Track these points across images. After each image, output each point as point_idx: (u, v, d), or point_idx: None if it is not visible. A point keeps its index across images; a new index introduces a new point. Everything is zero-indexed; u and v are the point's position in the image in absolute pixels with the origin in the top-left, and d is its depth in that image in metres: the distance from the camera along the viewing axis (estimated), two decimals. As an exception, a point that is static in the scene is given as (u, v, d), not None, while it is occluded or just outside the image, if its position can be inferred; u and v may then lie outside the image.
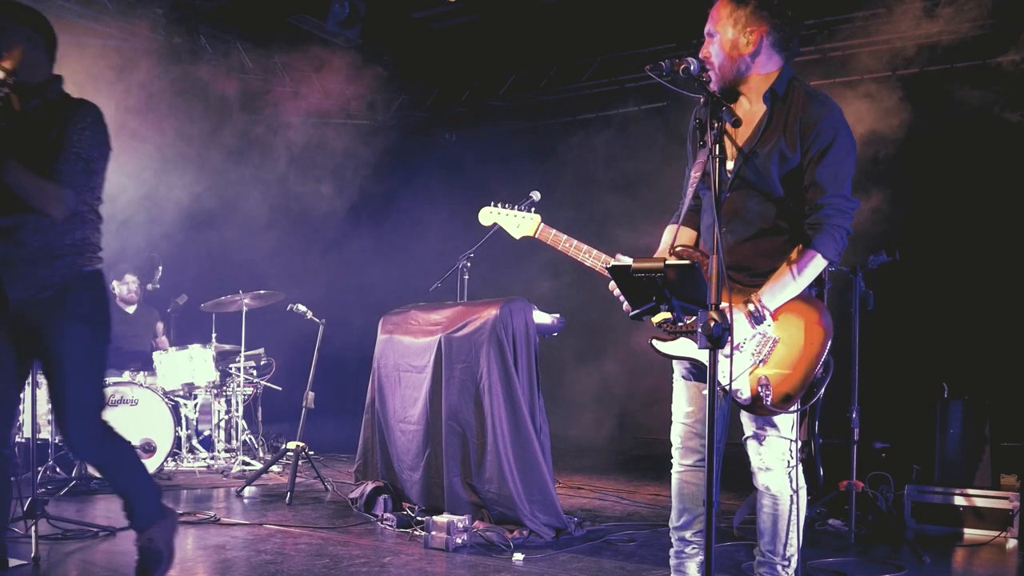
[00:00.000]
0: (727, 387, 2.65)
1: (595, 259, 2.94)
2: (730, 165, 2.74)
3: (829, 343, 2.62)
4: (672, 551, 3.01)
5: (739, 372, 2.64)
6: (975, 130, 6.47)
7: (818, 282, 2.75)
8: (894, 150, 6.17)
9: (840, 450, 4.82)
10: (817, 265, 2.65)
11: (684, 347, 2.78)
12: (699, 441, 2.91)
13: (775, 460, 2.78)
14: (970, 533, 4.89)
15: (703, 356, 2.68)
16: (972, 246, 6.55)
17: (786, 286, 2.65)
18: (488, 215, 3.33)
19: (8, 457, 3.13)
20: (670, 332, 2.77)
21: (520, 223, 3.21)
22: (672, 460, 3.00)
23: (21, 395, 3.33)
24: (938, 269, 6.59)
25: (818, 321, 2.64)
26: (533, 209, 3.26)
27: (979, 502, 4.90)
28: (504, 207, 3.30)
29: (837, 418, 4.86)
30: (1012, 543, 4.76)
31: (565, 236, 3.05)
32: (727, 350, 2.57)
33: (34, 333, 3.03)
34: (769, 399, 2.62)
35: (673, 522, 3.00)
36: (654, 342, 2.81)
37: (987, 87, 6.12)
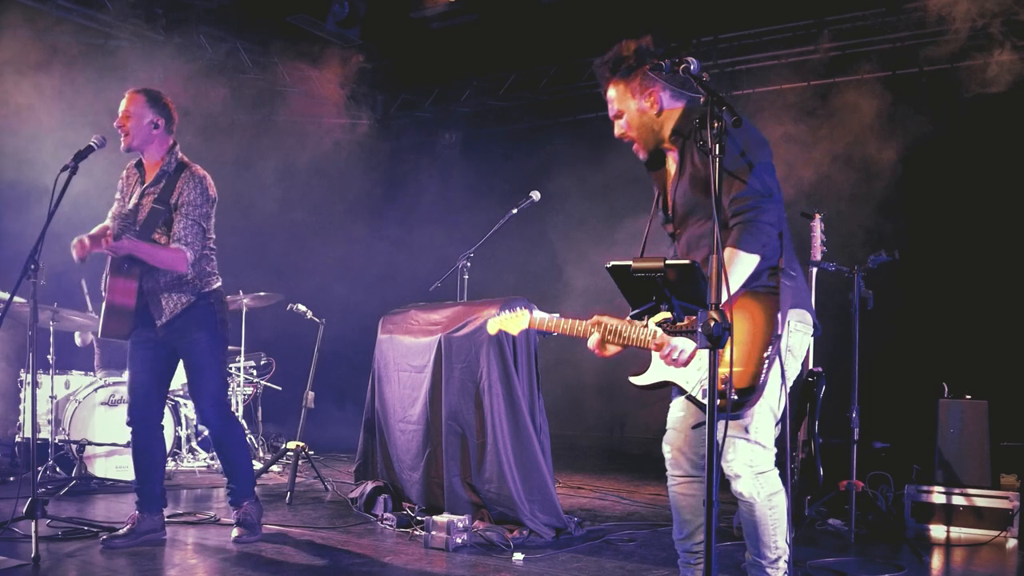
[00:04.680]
0: (694, 396, 2.71)
1: (586, 328, 2.89)
2: (675, 211, 2.86)
3: (774, 321, 2.62)
4: (679, 561, 3.04)
5: (701, 378, 2.68)
6: (975, 129, 6.48)
7: (773, 275, 2.73)
8: (893, 150, 6.17)
9: (840, 450, 4.81)
10: (743, 261, 2.62)
11: (659, 373, 2.80)
12: (692, 450, 2.91)
13: (742, 466, 2.77)
14: (970, 533, 4.89)
15: (676, 377, 2.75)
16: (972, 246, 6.55)
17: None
18: (494, 325, 3.37)
19: (161, 428, 4.33)
20: (670, 332, 2.77)
21: (517, 320, 3.26)
22: (667, 472, 3.00)
23: (168, 386, 4.40)
24: (938, 269, 6.59)
25: (761, 303, 2.67)
26: (505, 311, 3.34)
27: (979, 502, 4.90)
28: (500, 313, 3.37)
29: (837, 418, 4.86)
30: (1012, 543, 4.76)
31: (556, 316, 3.10)
32: (689, 363, 2.64)
33: (174, 341, 4.13)
34: (733, 395, 2.62)
35: (675, 534, 3.03)
36: (632, 379, 2.85)
37: (987, 86, 6.12)
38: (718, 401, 2.65)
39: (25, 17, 6.81)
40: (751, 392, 2.63)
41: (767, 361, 2.62)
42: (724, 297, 2.54)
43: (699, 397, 2.71)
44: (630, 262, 2.36)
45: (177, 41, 7.72)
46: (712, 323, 2.25)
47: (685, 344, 2.63)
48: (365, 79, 8.73)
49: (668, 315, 2.55)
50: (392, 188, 9.50)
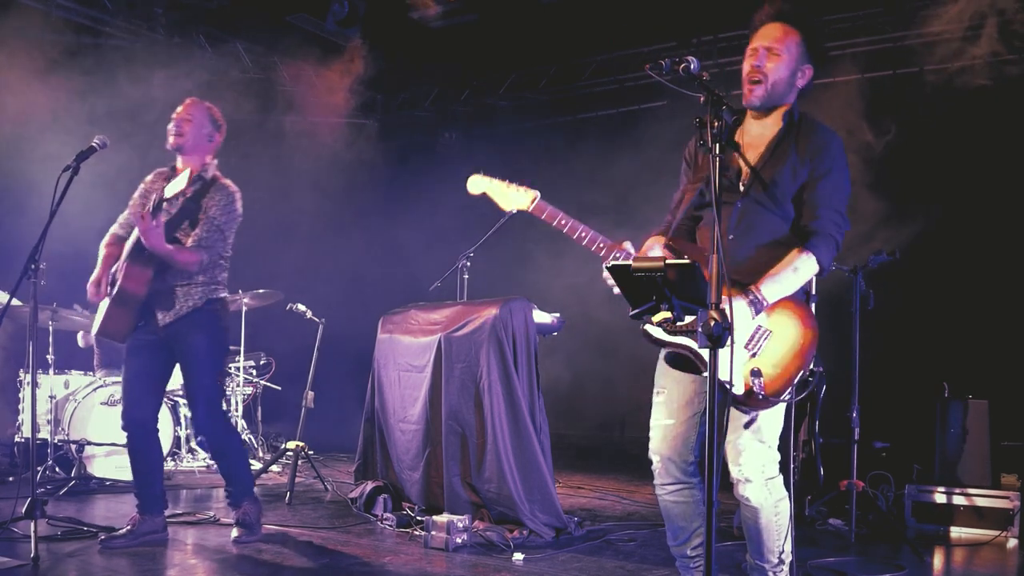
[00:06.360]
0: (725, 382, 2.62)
1: (591, 241, 2.84)
2: (745, 180, 2.80)
3: (815, 344, 2.68)
4: (677, 564, 3.02)
5: (734, 365, 2.62)
6: (975, 129, 6.47)
7: (804, 294, 2.81)
8: (893, 149, 6.16)
9: (840, 450, 4.82)
10: (811, 266, 2.71)
11: (683, 337, 2.75)
12: (681, 457, 2.87)
13: (754, 471, 2.75)
14: (970, 533, 4.89)
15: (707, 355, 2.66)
16: (972, 245, 6.54)
17: (782, 280, 2.69)
18: (477, 184, 3.12)
19: (157, 431, 4.27)
20: (670, 332, 2.76)
21: (514, 195, 3.01)
22: (655, 481, 2.95)
23: (164, 389, 4.39)
24: (938, 268, 6.58)
25: (808, 322, 2.71)
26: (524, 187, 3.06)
27: (979, 502, 4.90)
28: (496, 178, 3.11)
29: (837, 418, 4.86)
30: (1012, 543, 4.76)
31: (562, 214, 2.89)
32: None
33: (174, 343, 4.13)
34: (762, 390, 2.62)
35: (670, 541, 3.00)
36: (648, 328, 2.76)
37: (987, 86, 6.12)
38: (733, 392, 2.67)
39: (24, 16, 6.81)
40: (773, 398, 2.65)
41: (796, 380, 2.64)
42: (774, 292, 2.65)
43: (734, 390, 2.64)
44: (630, 262, 2.36)
45: (177, 41, 7.72)
46: (712, 323, 2.25)
47: (741, 312, 2.60)
48: (365, 79, 8.72)
49: (668, 315, 2.54)
50: (392, 188, 9.49)
